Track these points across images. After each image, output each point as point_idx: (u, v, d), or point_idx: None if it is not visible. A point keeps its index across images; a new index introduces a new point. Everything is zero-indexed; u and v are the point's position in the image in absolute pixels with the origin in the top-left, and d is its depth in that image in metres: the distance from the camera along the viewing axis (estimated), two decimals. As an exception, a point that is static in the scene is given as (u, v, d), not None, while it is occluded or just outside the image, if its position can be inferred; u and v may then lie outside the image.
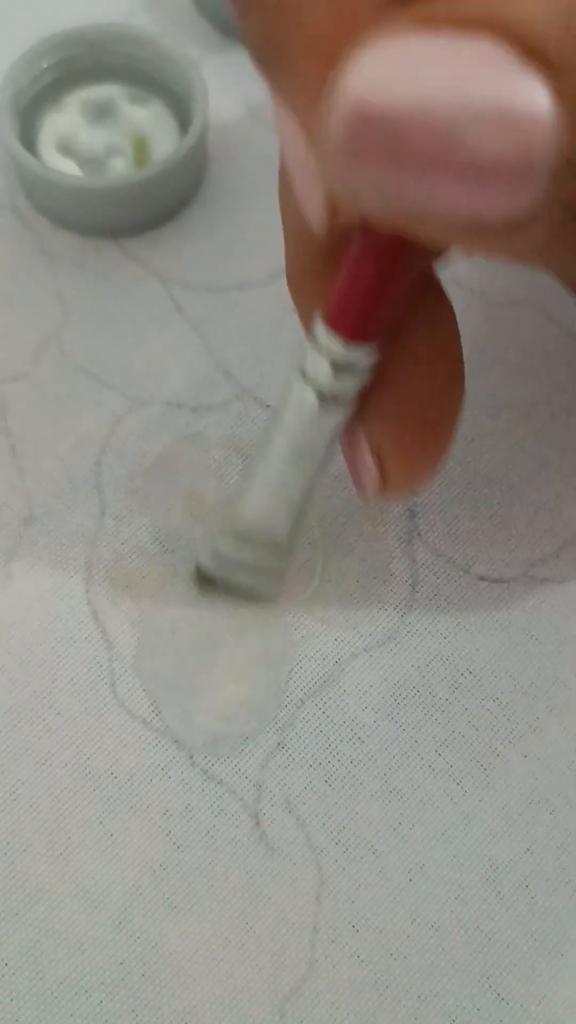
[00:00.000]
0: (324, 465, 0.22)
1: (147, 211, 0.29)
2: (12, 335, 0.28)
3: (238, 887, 0.23)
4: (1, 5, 0.33)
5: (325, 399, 0.20)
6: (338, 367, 0.19)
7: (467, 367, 0.28)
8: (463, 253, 0.17)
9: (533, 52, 0.12)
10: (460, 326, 0.28)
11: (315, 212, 0.18)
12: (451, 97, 0.13)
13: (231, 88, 0.32)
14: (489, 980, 0.23)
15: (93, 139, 0.30)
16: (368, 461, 0.21)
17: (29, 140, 0.29)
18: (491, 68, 0.13)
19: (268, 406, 0.27)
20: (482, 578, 0.26)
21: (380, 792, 0.24)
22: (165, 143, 0.30)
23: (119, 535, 0.26)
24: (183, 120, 0.30)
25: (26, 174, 0.28)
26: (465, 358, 0.28)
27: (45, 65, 0.30)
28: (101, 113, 0.30)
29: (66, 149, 0.30)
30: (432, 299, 0.20)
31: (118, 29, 0.30)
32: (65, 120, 0.30)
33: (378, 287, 0.18)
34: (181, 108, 0.30)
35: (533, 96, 0.13)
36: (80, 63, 0.30)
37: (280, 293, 0.29)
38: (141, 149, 0.30)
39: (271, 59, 0.15)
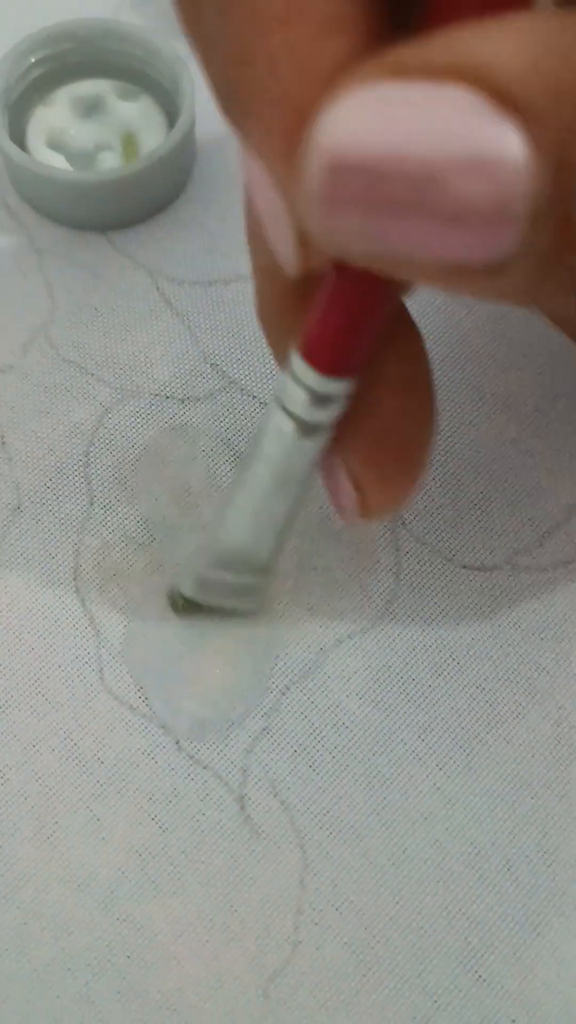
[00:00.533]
0: (305, 491, 0.22)
1: (135, 205, 0.29)
2: (1, 327, 0.28)
3: (223, 870, 0.23)
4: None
5: (303, 428, 0.20)
6: (316, 398, 0.19)
7: (451, 358, 0.28)
8: (446, 293, 0.17)
9: (506, 98, 0.13)
10: (444, 318, 0.29)
11: (286, 253, 0.18)
12: (425, 145, 0.13)
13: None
14: (471, 961, 0.23)
15: (82, 134, 0.30)
16: (347, 487, 0.21)
17: (18, 136, 0.30)
18: (464, 115, 0.13)
19: (255, 397, 0.28)
20: (465, 566, 0.26)
21: (364, 776, 0.24)
22: (154, 138, 0.30)
23: (107, 524, 0.26)
24: (172, 115, 0.30)
25: (16, 169, 0.29)
26: (449, 349, 0.28)
27: (33, 60, 0.30)
28: (90, 109, 0.31)
29: (56, 144, 0.30)
30: (402, 328, 0.20)
31: (106, 25, 0.30)
32: (54, 115, 0.30)
33: (354, 321, 0.18)
34: (170, 103, 0.30)
35: (507, 142, 0.13)
36: (69, 59, 0.31)
37: (267, 286, 0.29)
38: (130, 144, 0.30)
39: (237, 111, 0.15)
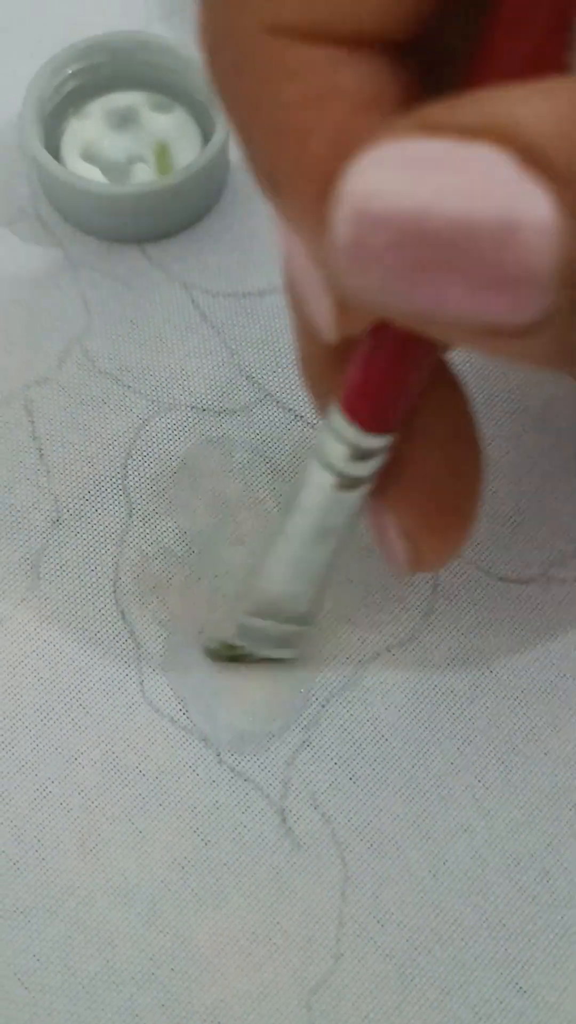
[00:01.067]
0: (344, 542, 0.22)
1: (169, 218, 0.29)
2: (37, 339, 0.28)
3: (265, 882, 0.24)
4: (25, 14, 0.33)
5: (343, 482, 0.20)
6: (356, 452, 0.20)
7: (486, 372, 0.28)
8: (481, 354, 0.17)
9: (536, 160, 0.12)
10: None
11: (324, 322, 0.18)
12: (452, 203, 0.12)
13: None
14: (511, 973, 0.23)
15: (116, 146, 0.30)
16: (398, 541, 0.21)
17: (53, 147, 0.30)
18: (494, 175, 0.12)
19: (291, 410, 0.28)
20: (502, 579, 0.26)
21: (403, 789, 0.24)
22: (188, 150, 0.30)
23: (146, 537, 0.26)
24: (205, 127, 0.30)
25: (51, 181, 0.29)
26: (483, 363, 0.29)
27: (69, 72, 0.30)
28: (124, 121, 0.31)
29: (90, 156, 0.30)
30: (444, 381, 0.20)
31: (141, 37, 0.30)
32: (88, 127, 0.30)
33: (394, 378, 0.18)
34: (203, 115, 0.30)
35: (537, 205, 0.12)
36: (103, 71, 0.31)
37: (301, 298, 0.29)
38: (164, 156, 0.30)
39: (274, 186, 0.15)
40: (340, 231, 0.13)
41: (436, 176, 0.12)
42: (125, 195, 0.28)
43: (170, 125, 0.30)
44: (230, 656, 0.25)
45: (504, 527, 0.27)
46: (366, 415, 0.19)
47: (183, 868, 0.24)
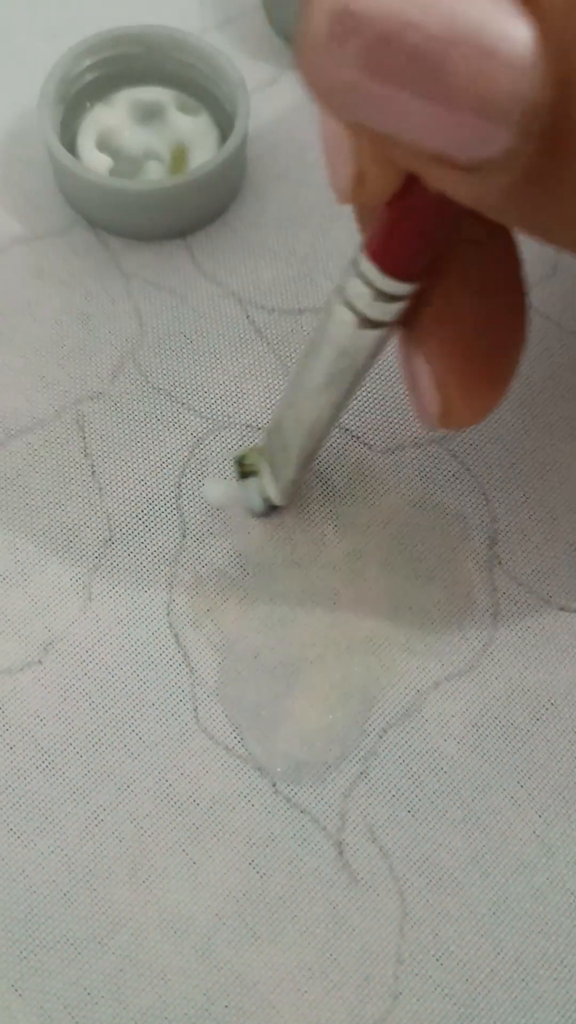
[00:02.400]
0: (355, 385, 0.22)
1: (170, 218, 0.29)
2: (90, 353, 0.28)
3: (322, 917, 0.23)
4: (84, 9, 0.33)
5: (364, 321, 0.20)
6: (378, 295, 0.19)
7: (542, 394, 0.28)
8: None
9: None
10: (535, 353, 0.28)
11: (343, 185, 0.18)
12: (432, 16, 0.12)
13: (306, 105, 0.31)
14: (573, 1014, 0.22)
15: (135, 139, 0.30)
16: (431, 392, 0.21)
17: (71, 130, 0.29)
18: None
19: (347, 431, 0.27)
20: (562, 608, 0.26)
21: (462, 823, 0.24)
22: (205, 155, 0.29)
23: (200, 557, 0.26)
24: (227, 136, 0.30)
25: (59, 168, 0.28)
26: (539, 385, 0.28)
27: (97, 59, 0.29)
28: (149, 115, 0.30)
29: (105, 145, 0.30)
30: (494, 231, 0.20)
31: (179, 36, 0.30)
32: (112, 115, 0.30)
33: (417, 226, 0.18)
34: (227, 124, 0.30)
35: (516, 35, 0.12)
36: (137, 63, 0.30)
37: (357, 316, 0.29)
38: (180, 158, 0.30)
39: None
40: (317, 24, 0.13)
41: None
42: (128, 191, 0.28)
43: (193, 128, 0.30)
44: (243, 465, 0.26)
45: (565, 553, 0.26)
46: (388, 260, 0.19)
47: (238, 901, 0.23)
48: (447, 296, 0.20)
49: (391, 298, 0.19)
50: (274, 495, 0.25)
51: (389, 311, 0.20)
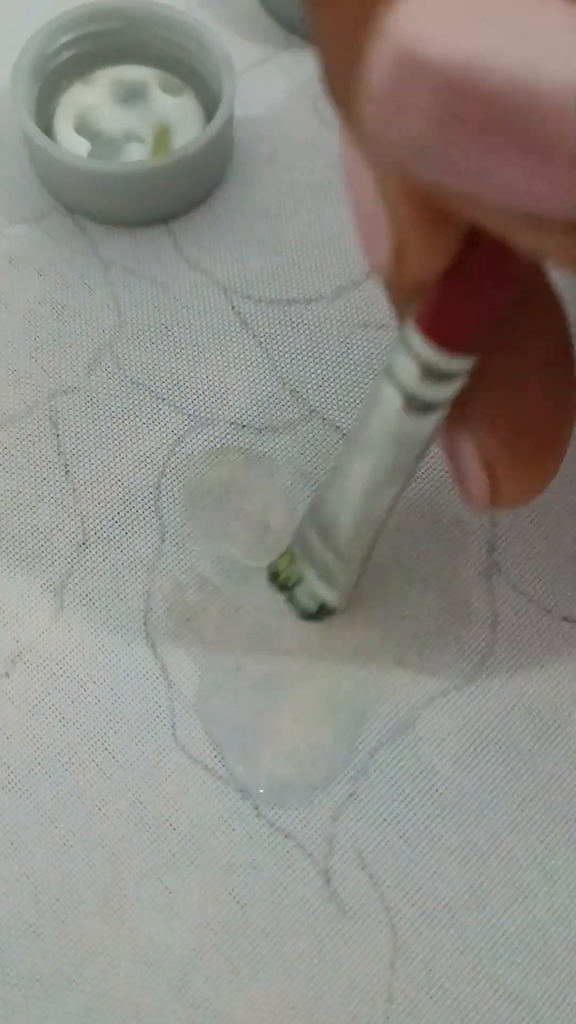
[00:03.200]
0: (408, 476, 0.20)
1: (154, 202, 0.27)
2: (65, 344, 0.26)
3: (307, 951, 0.21)
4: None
5: (413, 403, 0.18)
6: (429, 373, 0.18)
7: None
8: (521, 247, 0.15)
9: None
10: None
11: (380, 258, 0.16)
12: (516, 60, 0.10)
13: (298, 87, 0.30)
14: (576, 1057, 0.21)
15: (116, 120, 0.28)
16: (478, 472, 0.19)
17: (47, 111, 0.28)
18: (567, 34, 0.10)
19: (338, 428, 0.26)
20: (565, 619, 0.24)
21: (458, 849, 0.22)
22: (189, 138, 0.28)
23: (180, 563, 0.24)
24: (212, 118, 0.28)
25: (36, 152, 0.26)
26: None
27: (75, 35, 0.28)
28: (130, 95, 0.29)
29: (83, 126, 0.28)
30: (543, 301, 0.18)
31: (162, 11, 0.28)
32: (91, 95, 0.28)
33: (479, 294, 0.16)
34: (212, 104, 0.28)
35: None
36: (118, 39, 0.28)
37: (348, 309, 0.27)
38: (163, 140, 0.28)
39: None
40: (379, 72, 0.11)
41: (497, 26, 0.10)
42: (108, 174, 0.26)
43: (176, 108, 0.28)
44: (279, 577, 0.23)
45: (568, 561, 0.25)
46: (443, 332, 0.17)
47: (216, 933, 0.21)
48: (500, 372, 0.18)
49: (447, 376, 0.18)
50: (333, 600, 0.23)
51: (445, 391, 0.18)
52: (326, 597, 0.23)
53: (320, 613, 0.23)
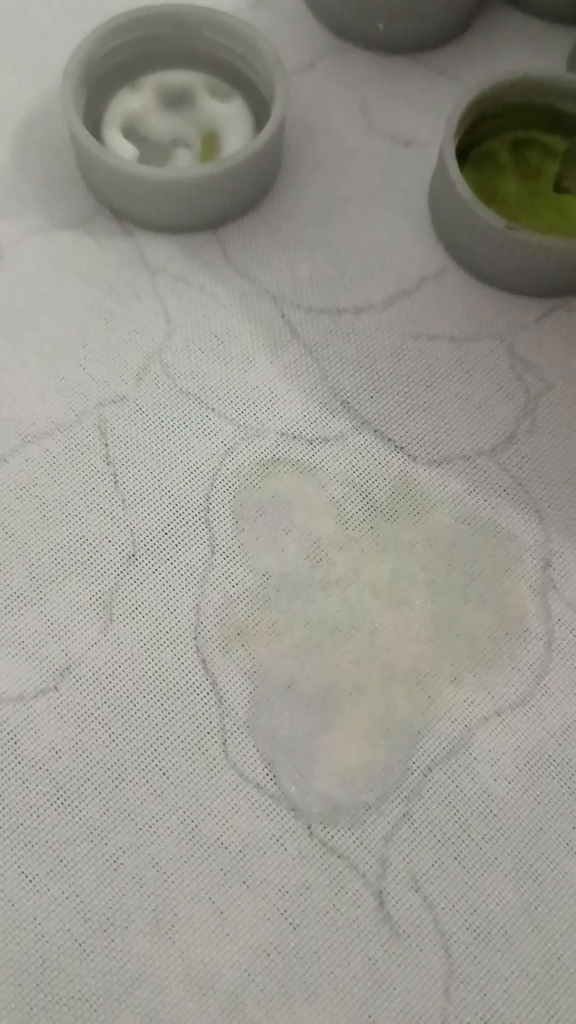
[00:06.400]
0: None
1: (189, 212, 0.27)
2: (113, 352, 0.26)
3: (360, 974, 0.21)
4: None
5: None
6: None
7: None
8: None
9: None
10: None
11: None
12: None
13: (345, 91, 0.29)
14: None
15: (163, 126, 0.28)
16: None
17: (95, 116, 0.28)
18: None
19: (390, 440, 0.25)
20: (622, 637, 0.24)
21: (513, 872, 0.22)
22: (238, 144, 0.27)
23: (230, 576, 0.24)
24: (262, 123, 0.28)
25: (84, 154, 0.26)
26: None
27: (124, 40, 0.27)
28: (178, 100, 0.28)
29: (130, 131, 0.28)
30: None
31: (211, 15, 0.28)
32: (138, 100, 0.28)
33: None
34: (261, 110, 0.28)
35: None
36: (166, 43, 0.28)
37: (399, 319, 0.27)
38: (211, 145, 0.28)
39: None
40: None
41: None
42: (158, 179, 0.26)
43: (225, 114, 0.28)
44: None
45: (624, 579, 0.24)
46: None
47: (268, 955, 0.21)
48: None
49: None
50: None
51: None
52: None
53: None
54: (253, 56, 0.28)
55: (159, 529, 0.24)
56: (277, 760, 0.22)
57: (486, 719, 0.23)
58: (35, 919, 0.21)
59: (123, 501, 0.24)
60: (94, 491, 0.24)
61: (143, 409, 0.25)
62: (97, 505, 0.24)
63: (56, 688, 0.23)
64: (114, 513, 0.24)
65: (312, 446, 0.25)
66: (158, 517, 0.24)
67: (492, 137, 0.28)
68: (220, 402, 0.25)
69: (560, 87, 0.27)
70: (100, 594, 0.23)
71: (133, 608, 0.23)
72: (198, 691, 0.23)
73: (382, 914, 0.21)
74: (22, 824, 0.22)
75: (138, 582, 0.24)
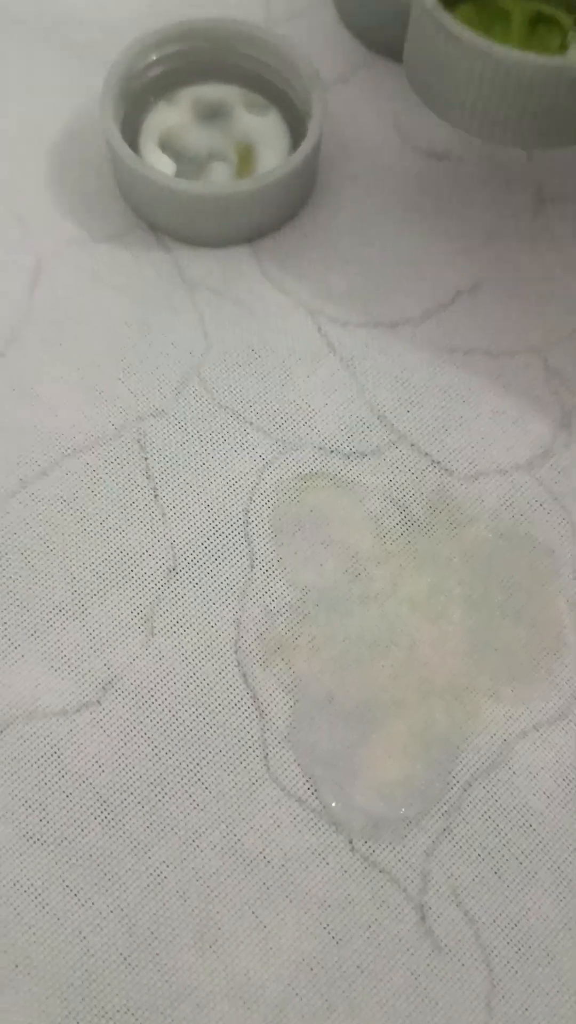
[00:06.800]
0: None
1: (226, 227, 0.27)
2: (152, 366, 0.26)
3: (403, 988, 0.21)
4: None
5: None
6: None
7: None
8: None
9: None
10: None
11: None
12: None
13: (379, 105, 0.30)
14: None
15: (199, 140, 0.28)
16: None
17: (131, 129, 0.28)
18: None
19: (427, 455, 0.25)
20: None
21: (554, 887, 0.22)
22: (273, 158, 0.27)
23: (270, 591, 0.24)
24: (297, 137, 0.28)
25: (122, 168, 0.26)
26: None
27: (163, 54, 0.28)
28: (214, 114, 0.28)
29: (166, 145, 0.28)
30: None
31: (247, 30, 0.28)
32: (174, 114, 0.28)
33: None
34: (297, 124, 0.28)
35: None
36: (202, 58, 0.28)
37: (436, 332, 0.27)
38: (247, 159, 0.28)
39: None
40: None
41: None
42: (197, 194, 0.26)
43: (260, 128, 0.28)
44: None
45: None
46: None
47: (312, 969, 0.21)
48: None
49: None
50: None
51: None
52: None
53: None
54: (290, 71, 0.28)
55: (199, 543, 0.24)
56: (318, 774, 0.22)
57: (524, 734, 0.23)
58: (80, 933, 0.21)
59: (163, 515, 0.24)
60: (134, 505, 0.24)
61: (182, 423, 0.25)
62: (137, 519, 0.24)
63: (99, 702, 0.23)
64: (154, 527, 0.24)
65: (349, 460, 0.25)
66: (198, 531, 0.24)
67: None
68: (258, 416, 0.25)
69: None
70: (141, 608, 0.24)
71: (174, 622, 0.23)
72: (239, 705, 0.23)
73: (424, 928, 0.22)
74: (66, 838, 0.22)
75: (179, 596, 0.24)
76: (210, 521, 0.24)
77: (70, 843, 0.22)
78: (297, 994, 0.21)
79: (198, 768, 0.22)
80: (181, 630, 0.23)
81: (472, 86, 0.24)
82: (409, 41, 0.25)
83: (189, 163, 0.28)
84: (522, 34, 0.26)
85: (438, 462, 0.25)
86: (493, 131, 0.25)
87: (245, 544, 0.24)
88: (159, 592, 0.24)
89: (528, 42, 0.26)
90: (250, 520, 0.24)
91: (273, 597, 0.24)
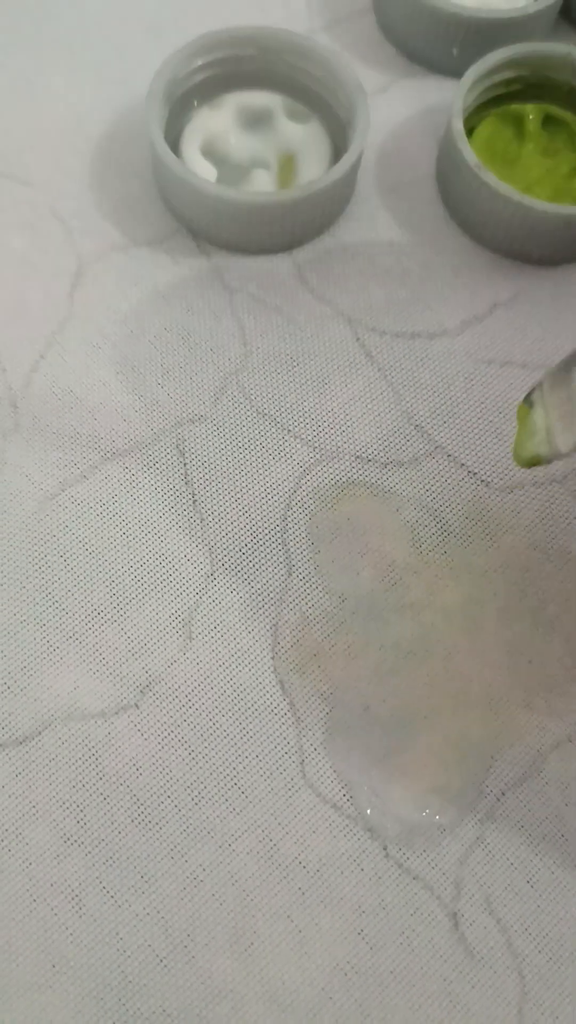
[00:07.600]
0: None
1: (268, 234, 0.27)
2: (191, 372, 0.26)
3: (436, 994, 0.21)
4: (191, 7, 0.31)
5: None
6: None
7: None
8: None
9: None
10: None
11: None
12: None
13: (418, 115, 0.30)
14: None
15: (242, 146, 0.28)
16: None
17: (174, 134, 0.28)
18: None
19: (463, 465, 0.25)
20: None
21: (585, 897, 0.22)
22: (314, 166, 0.28)
23: (307, 597, 0.24)
24: (338, 146, 0.28)
25: (165, 172, 0.26)
26: None
27: (208, 59, 0.28)
28: (256, 121, 0.29)
29: (209, 150, 0.28)
30: None
31: (292, 39, 0.28)
32: (217, 120, 0.28)
33: None
34: (339, 133, 0.28)
35: None
36: (246, 65, 0.28)
37: (473, 344, 0.27)
38: (288, 167, 0.28)
39: None
40: None
41: None
42: (240, 202, 0.26)
43: (302, 136, 0.28)
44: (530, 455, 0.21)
45: None
46: None
47: (346, 974, 0.21)
48: None
49: None
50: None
51: None
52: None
53: None
54: (332, 80, 0.28)
55: (237, 549, 0.24)
56: (353, 781, 0.23)
57: (558, 745, 0.23)
58: (117, 935, 0.21)
59: (202, 520, 0.25)
60: (173, 509, 0.25)
61: (221, 429, 0.25)
62: (176, 524, 0.24)
63: (137, 705, 0.23)
64: (193, 532, 0.24)
65: (386, 469, 0.25)
66: (236, 537, 0.24)
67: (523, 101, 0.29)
68: (296, 424, 0.26)
69: None
70: (180, 612, 0.24)
71: (212, 627, 0.24)
72: (276, 711, 0.23)
73: (456, 935, 0.22)
74: (104, 840, 0.22)
75: (216, 601, 0.24)
76: (248, 527, 0.25)
77: (107, 845, 0.22)
78: (331, 999, 0.21)
79: (234, 773, 0.23)
80: (219, 635, 0.24)
81: (502, 226, 0.27)
82: (448, 184, 0.28)
83: (231, 169, 0.28)
84: (536, 130, 0.29)
85: (474, 473, 0.25)
86: (520, 257, 0.28)
87: (282, 551, 0.24)
88: (197, 597, 0.24)
89: (538, 139, 0.29)
90: (288, 527, 0.25)
91: (310, 604, 0.24)
